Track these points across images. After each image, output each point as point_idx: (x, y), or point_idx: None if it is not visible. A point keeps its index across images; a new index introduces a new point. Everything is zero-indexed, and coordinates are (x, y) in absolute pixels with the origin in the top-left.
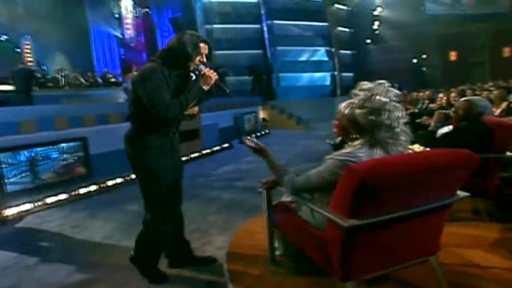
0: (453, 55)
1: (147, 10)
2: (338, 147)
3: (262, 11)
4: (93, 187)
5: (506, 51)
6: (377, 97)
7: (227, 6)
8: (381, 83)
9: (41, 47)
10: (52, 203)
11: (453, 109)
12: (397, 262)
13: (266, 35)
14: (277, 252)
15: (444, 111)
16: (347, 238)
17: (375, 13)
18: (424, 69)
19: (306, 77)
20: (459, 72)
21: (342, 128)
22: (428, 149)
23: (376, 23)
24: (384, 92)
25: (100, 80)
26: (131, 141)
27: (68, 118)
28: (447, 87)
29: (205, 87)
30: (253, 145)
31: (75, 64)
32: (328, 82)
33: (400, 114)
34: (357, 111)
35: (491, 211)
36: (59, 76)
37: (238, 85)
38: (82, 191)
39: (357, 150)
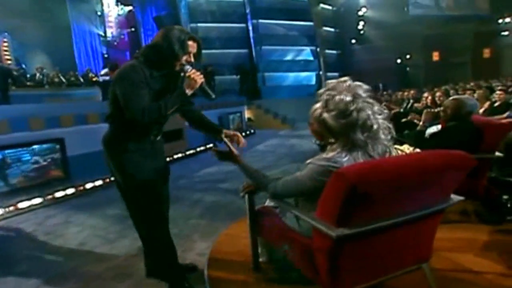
0: (436, 56)
1: (131, 8)
2: (324, 147)
3: (248, 10)
4: (70, 191)
5: (486, 52)
6: (338, 97)
7: (212, 4)
8: (343, 80)
9: (20, 45)
10: (25, 208)
11: (441, 108)
12: (389, 271)
13: (251, 34)
14: (261, 259)
15: (432, 110)
16: (336, 247)
17: (360, 13)
18: (408, 69)
19: (291, 77)
20: (442, 72)
21: (317, 132)
22: (418, 149)
23: (361, 23)
24: (346, 90)
25: (81, 79)
26: (109, 144)
27: (45, 119)
28: (430, 87)
29: (189, 91)
30: (222, 150)
31: (56, 62)
32: (313, 82)
33: (373, 110)
34: (325, 114)
35: (479, 212)
36: (39, 75)
37: (224, 85)
38: (59, 194)
39: (338, 155)
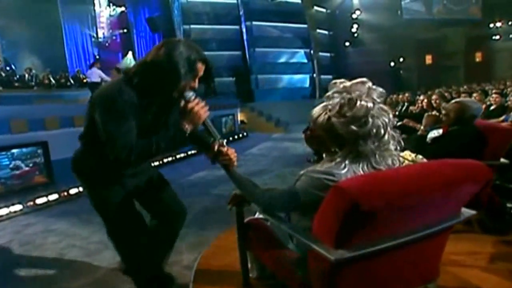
0: (429, 59)
1: (123, 9)
2: (319, 152)
3: (241, 12)
4: (53, 197)
5: (478, 56)
6: (360, 103)
7: (206, 6)
8: (363, 82)
9: (10, 45)
10: (3, 215)
11: (443, 111)
12: None
13: (245, 36)
14: (252, 275)
15: (433, 113)
16: (334, 271)
17: (354, 16)
18: (401, 72)
19: (285, 79)
20: (435, 75)
21: (317, 140)
22: (420, 156)
23: (355, 26)
24: (366, 93)
25: (72, 81)
26: (76, 164)
27: (28, 121)
28: (423, 90)
29: (188, 128)
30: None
31: (47, 63)
32: (307, 84)
33: (387, 119)
34: (335, 120)
35: (483, 221)
36: (28, 76)
37: (218, 87)
38: (40, 201)
39: (336, 166)
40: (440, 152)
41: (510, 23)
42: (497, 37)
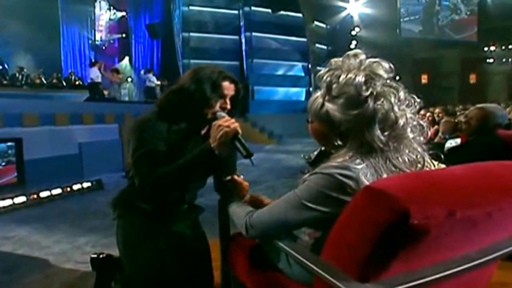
0: (424, 78)
1: (124, 14)
2: (314, 163)
3: (242, 23)
4: (20, 199)
5: (472, 78)
6: (344, 77)
7: (207, 15)
8: (353, 54)
9: (5, 44)
10: None
11: (463, 119)
12: None
13: (244, 47)
14: None
15: (452, 119)
16: None
17: (353, 33)
18: None
19: (281, 92)
20: (430, 94)
21: (318, 134)
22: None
23: (354, 42)
24: (357, 67)
25: (64, 83)
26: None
27: (3, 115)
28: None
29: (216, 147)
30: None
31: (40, 64)
32: (303, 98)
33: (399, 97)
34: (328, 104)
35: None
36: (18, 75)
37: None
38: (4, 203)
39: (350, 160)
40: (458, 164)
41: (503, 47)
42: (491, 60)
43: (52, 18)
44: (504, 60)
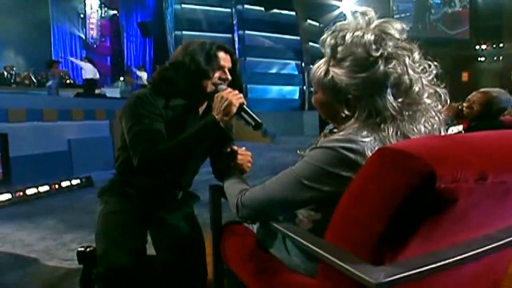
0: None
1: (115, 12)
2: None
3: (235, 21)
4: (5, 196)
5: (464, 76)
6: (350, 35)
7: (199, 13)
8: (362, 13)
9: None
10: None
11: (465, 103)
12: None
13: (237, 45)
14: None
15: (457, 104)
16: None
17: None
18: None
19: (275, 90)
20: None
21: (323, 105)
22: None
23: None
24: (365, 26)
25: None
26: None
27: None
28: None
29: (220, 119)
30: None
31: (31, 63)
32: (296, 96)
33: (413, 59)
34: (334, 70)
35: None
36: (7, 74)
37: None
38: None
39: (355, 132)
40: None
41: (494, 46)
42: (483, 58)
43: (43, 16)
44: (495, 58)
